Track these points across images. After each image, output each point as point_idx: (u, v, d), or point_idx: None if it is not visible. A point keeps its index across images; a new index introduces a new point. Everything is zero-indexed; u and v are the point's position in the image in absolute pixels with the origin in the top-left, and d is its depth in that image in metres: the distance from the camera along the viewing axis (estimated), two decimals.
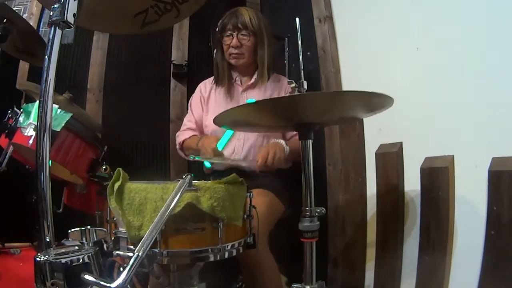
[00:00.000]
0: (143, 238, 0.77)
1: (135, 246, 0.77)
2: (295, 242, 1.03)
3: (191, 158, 1.45)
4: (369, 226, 1.68)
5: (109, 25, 1.21)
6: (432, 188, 1.32)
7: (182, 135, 1.68)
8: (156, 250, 0.86)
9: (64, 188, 1.66)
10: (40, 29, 2.20)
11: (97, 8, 1.01)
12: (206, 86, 1.75)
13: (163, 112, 2.22)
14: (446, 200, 1.28)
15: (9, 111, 1.46)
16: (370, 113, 1.10)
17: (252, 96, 1.64)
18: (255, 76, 1.65)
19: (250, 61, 1.63)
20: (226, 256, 0.94)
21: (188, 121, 1.71)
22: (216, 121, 1.05)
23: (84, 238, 1.17)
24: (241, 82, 1.69)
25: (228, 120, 1.12)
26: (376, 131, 1.63)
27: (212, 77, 1.74)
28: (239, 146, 1.58)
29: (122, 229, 0.91)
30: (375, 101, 0.97)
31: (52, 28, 0.78)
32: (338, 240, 1.80)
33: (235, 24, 1.57)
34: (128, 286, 0.69)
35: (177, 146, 1.70)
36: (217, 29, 1.65)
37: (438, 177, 1.30)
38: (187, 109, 1.79)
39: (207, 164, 1.59)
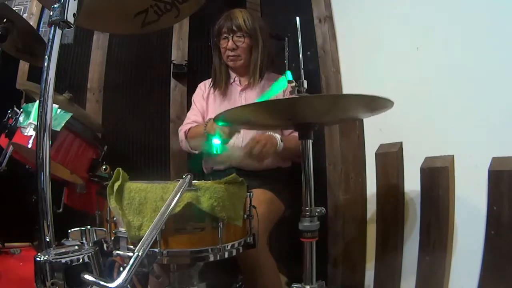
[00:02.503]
0: (143, 238, 0.77)
1: (135, 246, 0.77)
2: (295, 242, 1.03)
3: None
4: (369, 226, 1.68)
5: (109, 25, 1.21)
6: (432, 188, 1.32)
7: (187, 126, 1.67)
8: (156, 250, 0.86)
9: (64, 188, 1.66)
10: (40, 29, 2.20)
11: (97, 8, 1.00)
12: (205, 86, 1.76)
13: (163, 112, 2.22)
14: (446, 200, 1.28)
15: (9, 111, 1.45)
16: (370, 114, 1.10)
17: (250, 96, 1.65)
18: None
19: (247, 62, 1.64)
20: (226, 256, 0.94)
21: (193, 115, 1.71)
22: (217, 119, 1.06)
23: (84, 238, 1.17)
24: (240, 83, 1.69)
25: (229, 119, 1.13)
26: (376, 131, 1.63)
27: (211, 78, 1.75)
28: (238, 142, 1.58)
29: (122, 229, 0.91)
30: (376, 103, 0.97)
31: (52, 28, 0.78)
32: (338, 240, 1.80)
33: (230, 27, 1.59)
34: (128, 286, 0.69)
35: (181, 138, 1.67)
36: (213, 32, 1.66)
37: (438, 177, 1.30)
38: (187, 109, 1.80)
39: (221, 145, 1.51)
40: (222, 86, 1.67)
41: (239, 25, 1.58)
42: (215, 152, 1.46)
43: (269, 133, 1.48)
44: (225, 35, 1.62)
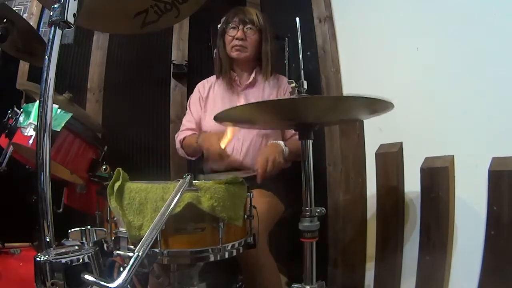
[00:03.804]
0: (143, 238, 0.77)
1: (135, 246, 0.77)
2: (295, 242, 1.03)
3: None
4: (369, 226, 1.68)
5: (109, 25, 1.21)
6: (432, 188, 1.32)
7: (181, 134, 1.68)
8: (156, 250, 0.86)
9: (64, 188, 1.66)
10: (40, 29, 2.20)
11: (97, 8, 1.00)
12: (204, 86, 1.75)
13: (163, 112, 2.22)
14: (446, 200, 1.28)
15: (9, 111, 1.45)
16: (370, 116, 1.10)
17: (251, 95, 1.64)
18: (253, 75, 1.65)
19: (252, 56, 1.63)
20: (226, 256, 0.94)
21: (187, 121, 1.71)
22: (217, 119, 1.06)
23: (84, 238, 1.17)
24: (240, 82, 1.69)
25: (229, 118, 1.12)
26: (376, 131, 1.64)
27: (210, 77, 1.74)
28: (238, 146, 1.58)
29: (122, 229, 0.91)
30: (377, 105, 0.97)
31: (52, 28, 0.78)
32: (338, 240, 1.80)
33: (242, 18, 1.60)
34: (128, 286, 0.69)
35: (177, 145, 1.69)
36: (221, 22, 1.66)
37: (438, 177, 1.30)
38: (187, 109, 1.79)
39: None
40: (227, 74, 1.66)
41: (252, 19, 1.59)
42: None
43: (270, 142, 1.48)
44: (235, 24, 1.61)
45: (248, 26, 1.59)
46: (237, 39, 1.59)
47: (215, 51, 1.72)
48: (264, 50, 1.63)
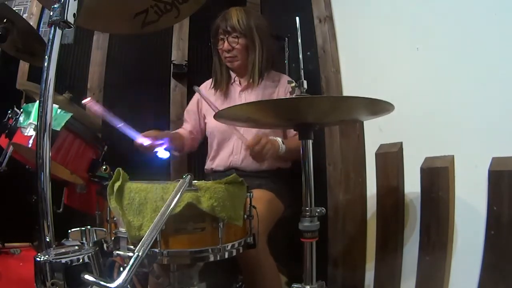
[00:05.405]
0: (143, 238, 0.77)
1: (135, 246, 0.77)
2: (295, 242, 1.03)
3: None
4: (369, 226, 1.68)
5: (109, 25, 1.21)
6: (432, 188, 1.32)
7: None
8: (156, 250, 0.86)
9: (64, 188, 1.66)
10: (40, 29, 2.20)
11: (97, 8, 1.01)
12: (206, 87, 1.75)
13: (163, 112, 2.22)
14: (446, 200, 1.28)
15: (9, 111, 1.46)
16: (371, 117, 1.10)
17: (250, 97, 1.64)
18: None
19: (245, 62, 1.63)
20: (226, 256, 0.94)
21: (186, 123, 1.77)
22: (218, 117, 1.07)
23: (84, 238, 1.17)
24: (240, 83, 1.69)
25: (230, 117, 1.13)
26: (376, 131, 1.63)
27: (211, 79, 1.74)
28: (237, 146, 1.58)
29: (122, 229, 0.91)
30: (377, 106, 0.97)
31: (52, 28, 0.78)
32: (338, 240, 1.80)
33: (225, 28, 1.58)
34: (128, 286, 0.69)
35: None
36: (211, 33, 1.66)
37: (438, 177, 1.30)
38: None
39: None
40: (223, 87, 1.67)
41: (233, 25, 1.56)
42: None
43: (271, 137, 1.47)
44: (221, 36, 1.60)
45: (232, 35, 1.57)
46: (225, 51, 1.59)
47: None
48: (250, 58, 1.60)
